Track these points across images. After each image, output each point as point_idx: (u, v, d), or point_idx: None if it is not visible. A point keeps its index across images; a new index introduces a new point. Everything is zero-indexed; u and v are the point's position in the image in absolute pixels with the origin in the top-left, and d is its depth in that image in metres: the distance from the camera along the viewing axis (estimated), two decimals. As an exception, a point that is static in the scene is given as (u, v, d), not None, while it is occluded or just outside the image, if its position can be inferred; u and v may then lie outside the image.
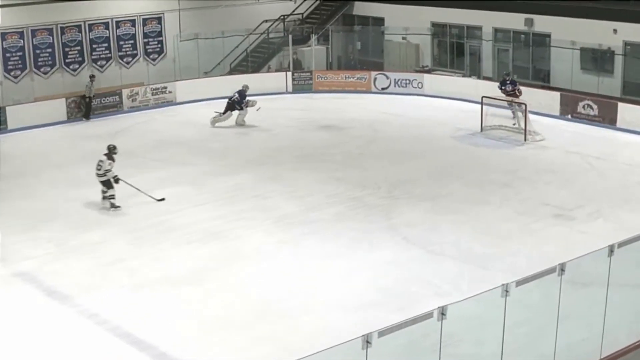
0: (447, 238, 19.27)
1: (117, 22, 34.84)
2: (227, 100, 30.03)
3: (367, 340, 10.06)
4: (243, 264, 18.15)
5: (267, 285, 17.01)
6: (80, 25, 33.81)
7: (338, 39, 39.27)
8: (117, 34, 34.89)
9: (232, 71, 36.41)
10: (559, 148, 26.55)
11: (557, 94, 30.40)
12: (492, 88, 30.20)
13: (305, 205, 21.59)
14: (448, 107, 32.21)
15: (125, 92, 32.58)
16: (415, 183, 23.30)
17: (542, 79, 33.23)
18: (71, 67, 33.76)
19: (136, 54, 35.49)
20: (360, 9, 39.24)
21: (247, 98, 29.85)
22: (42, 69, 33.08)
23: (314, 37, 37.02)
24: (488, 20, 34.68)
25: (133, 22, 35.27)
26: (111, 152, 21.74)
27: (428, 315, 10.84)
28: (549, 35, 32.92)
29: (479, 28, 35.29)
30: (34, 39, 32.74)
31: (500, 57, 35.02)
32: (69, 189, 23.18)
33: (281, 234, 19.79)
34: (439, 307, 10.80)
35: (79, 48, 33.88)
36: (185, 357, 14.16)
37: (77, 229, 20.26)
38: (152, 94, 33.17)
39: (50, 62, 33.27)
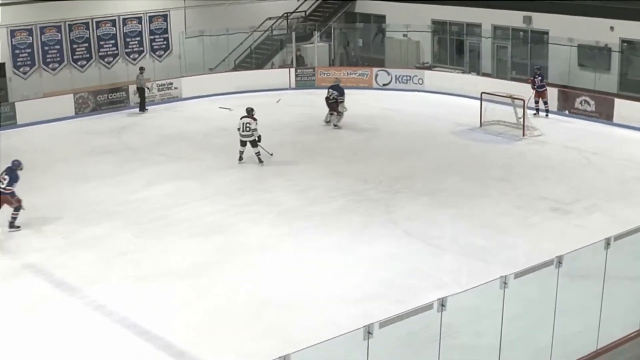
0: (447, 231, 19.26)
1: (124, 20, 34.84)
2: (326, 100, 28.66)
3: (368, 331, 10.04)
4: (246, 257, 18.14)
5: (270, 278, 17.00)
6: (88, 22, 33.81)
7: (340, 36, 39.31)
8: (124, 31, 34.88)
9: (237, 67, 36.38)
10: (557, 143, 26.50)
11: (555, 90, 30.34)
12: (491, 84, 30.19)
13: (307, 199, 21.57)
14: (448, 103, 32.16)
15: (132, 88, 32.52)
16: (416, 177, 23.26)
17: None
18: (79, 63, 33.75)
19: (142, 51, 35.46)
20: (361, 6, 39.21)
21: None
22: (50, 66, 33.07)
23: (316, 34, 37.00)
24: (487, 17, 34.63)
25: (139, 20, 35.26)
26: (251, 113, 24.41)
27: (428, 307, 10.82)
28: (547, 33, 32.84)
29: (479, 25, 35.23)
30: (42, 36, 32.75)
31: (499, 54, 34.97)
32: (76, 184, 23.19)
33: (283, 227, 19.77)
34: (438, 299, 10.78)
35: (86, 45, 33.88)
36: (189, 348, 14.14)
37: (84, 222, 20.26)
38: (158, 90, 33.13)
39: (58, 59, 33.26)
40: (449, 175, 23.46)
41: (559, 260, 11.92)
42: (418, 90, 33.86)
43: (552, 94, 30.09)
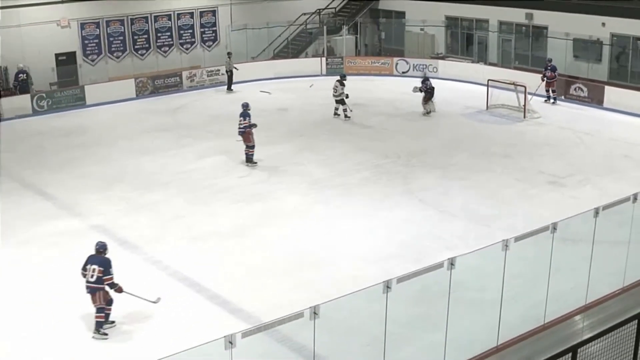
0: (456, 200, 19.17)
1: (178, 14, 34.85)
2: (419, 90, 27.84)
3: (387, 286, 10.07)
4: (282, 220, 18.17)
5: (302, 239, 17.04)
6: (147, 17, 33.90)
7: (366, 29, 39.12)
8: (178, 24, 34.90)
9: (275, 56, 36.34)
10: (554, 124, 26.24)
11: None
12: (496, 72, 29.92)
13: (335, 171, 21.54)
14: (459, 88, 31.89)
15: (185, 74, 32.64)
16: (429, 153, 23.15)
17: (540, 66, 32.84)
18: (139, 52, 33.83)
19: (194, 42, 35.46)
20: (384, 4, 38.98)
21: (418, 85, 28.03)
22: (114, 54, 33.18)
23: (345, 28, 36.81)
24: (494, 14, 34.36)
25: (192, 15, 35.26)
26: (343, 78, 26.79)
27: (439, 266, 10.82)
28: (546, 28, 32.47)
29: (486, 21, 34.90)
30: (108, 29, 32.84)
31: (504, 46, 34.65)
32: (136, 156, 23.31)
33: (314, 195, 19.78)
34: (448, 259, 10.75)
35: (145, 36, 33.97)
36: (232, 298, 14.25)
37: (143, 189, 20.39)
38: (207, 76, 33.17)
39: (121, 48, 33.35)
40: (459, 151, 23.31)
41: (554, 227, 11.84)
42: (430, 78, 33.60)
43: (550, 81, 29.80)
